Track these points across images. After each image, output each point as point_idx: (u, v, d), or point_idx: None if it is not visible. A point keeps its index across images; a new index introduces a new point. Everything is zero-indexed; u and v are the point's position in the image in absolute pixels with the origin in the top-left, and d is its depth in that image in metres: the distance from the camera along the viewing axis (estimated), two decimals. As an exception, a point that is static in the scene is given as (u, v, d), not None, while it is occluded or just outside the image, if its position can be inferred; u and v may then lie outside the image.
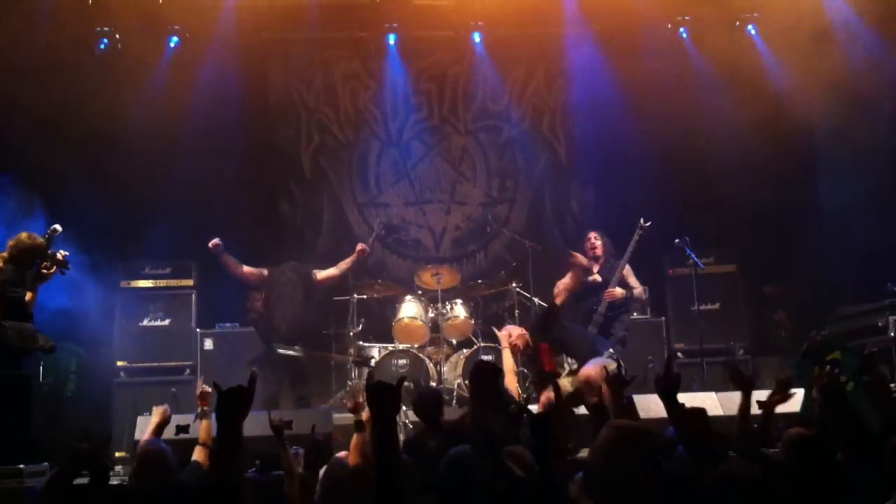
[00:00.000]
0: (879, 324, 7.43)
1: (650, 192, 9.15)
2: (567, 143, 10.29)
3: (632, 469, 2.34)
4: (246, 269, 7.77)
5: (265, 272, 7.84)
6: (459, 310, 8.50)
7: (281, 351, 7.59)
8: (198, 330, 8.50)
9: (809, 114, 8.83)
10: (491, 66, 10.16)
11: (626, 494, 2.33)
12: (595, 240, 7.52)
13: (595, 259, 7.48)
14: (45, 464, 5.97)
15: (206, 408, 5.35)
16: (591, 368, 6.11)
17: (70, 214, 7.04)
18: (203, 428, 5.16)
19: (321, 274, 7.98)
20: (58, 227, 6.40)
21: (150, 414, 5.47)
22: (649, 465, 2.37)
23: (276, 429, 4.38)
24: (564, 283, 7.02)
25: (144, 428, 5.82)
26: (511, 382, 6.07)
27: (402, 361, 8.24)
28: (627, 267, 7.33)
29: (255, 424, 6.13)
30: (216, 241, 7.52)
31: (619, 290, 7.17)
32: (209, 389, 5.46)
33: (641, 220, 7.25)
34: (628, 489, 2.31)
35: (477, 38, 9.86)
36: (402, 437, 6.29)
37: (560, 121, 10.32)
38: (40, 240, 6.29)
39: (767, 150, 8.87)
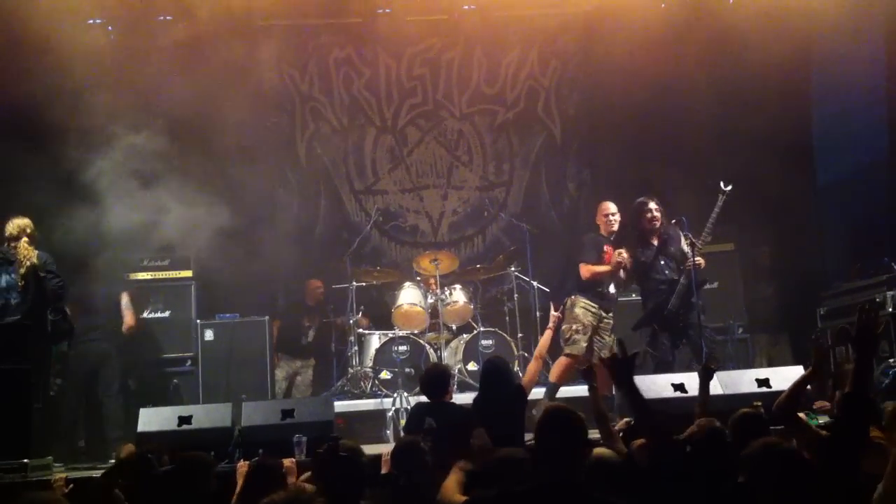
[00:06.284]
0: (877, 299, 7.41)
1: (646, 170, 9.12)
2: (562, 124, 10.28)
3: None
4: None
5: None
6: (458, 295, 8.49)
7: None
8: (198, 321, 8.47)
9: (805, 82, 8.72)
10: (484, 49, 10.13)
11: None
12: (655, 211, 7.22)
13: (652, 232, 7.23)
14: (49, 458, 5.98)
15: None
16: None
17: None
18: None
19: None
20: None
21: (152, 406, 5.40)
22: None
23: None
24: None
25: (147, 420, 5.86)
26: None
27: (403, 348, 8.24)
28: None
29: (259, 413, 6.21)
30: None
31: (701, 260, 7.03)
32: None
33: (722, 184, 6.98)
34: None
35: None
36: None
37: (555, 102, 10.29)
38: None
39: (765, 124, 8.84)
